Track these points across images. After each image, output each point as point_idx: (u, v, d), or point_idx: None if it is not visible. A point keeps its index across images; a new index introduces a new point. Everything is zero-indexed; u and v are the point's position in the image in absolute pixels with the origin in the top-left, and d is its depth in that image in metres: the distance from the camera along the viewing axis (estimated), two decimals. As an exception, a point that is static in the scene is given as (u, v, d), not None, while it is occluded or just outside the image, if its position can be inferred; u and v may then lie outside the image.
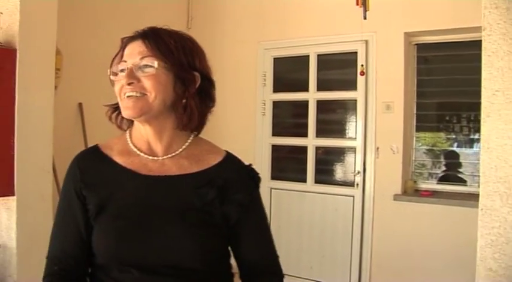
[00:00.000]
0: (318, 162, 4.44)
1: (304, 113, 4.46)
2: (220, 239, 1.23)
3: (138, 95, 1.15)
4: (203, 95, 1.23)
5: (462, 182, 4.00)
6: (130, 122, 1.28)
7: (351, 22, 3.74)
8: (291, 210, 4.43)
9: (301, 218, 4.40)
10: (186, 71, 1.19)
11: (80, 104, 3.81)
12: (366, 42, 4.12)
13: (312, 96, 4.43)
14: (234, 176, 1.25)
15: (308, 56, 4.43)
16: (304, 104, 4.46)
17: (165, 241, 1.15)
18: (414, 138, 4.19)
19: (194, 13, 4.79)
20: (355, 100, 4.23)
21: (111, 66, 1.23)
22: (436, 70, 4.20)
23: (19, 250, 2.47)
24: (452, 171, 4.11)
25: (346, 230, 4.20)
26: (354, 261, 4.16)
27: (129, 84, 1.15)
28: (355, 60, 4.17)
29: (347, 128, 4.38)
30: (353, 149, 4.28)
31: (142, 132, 1.24)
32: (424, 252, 3.80)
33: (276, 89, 4.63)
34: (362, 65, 4.06)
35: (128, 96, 1.16)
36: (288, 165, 4.78)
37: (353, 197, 4.20)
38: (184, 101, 1.20)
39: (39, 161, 2.59)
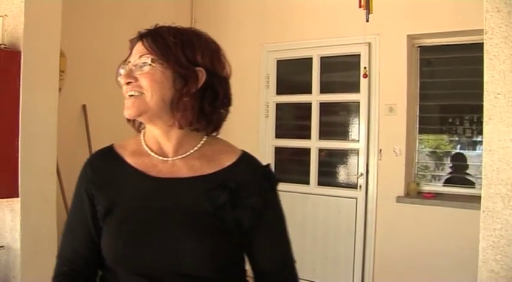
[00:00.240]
0: (321, 164, 4.45)
1: (307, 115, 4.47)
2: (233, 246, 1.17)
3: (136, 94, 1.13)
4: (208, 93, 1.16)
5: (470, 184, 3.98)
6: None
7: (354, 25, 3.75)
8: (294, 212, 4.43)
9: (304, 220, 4.40)
10: (185, 67, 1.13)
11: (84, 106, 3.83)
12: (369, 44, 4.12)
13: (315, 98, 4.43)
14: (249, 178, 1.18)
15: (311, 59, 4.44)
16: (307, 106, 4.46)
17: (173, 248, 1.10)
18: (417, 141, 4.19)
19: (197, 16, 4.81)
20: (358, 102, 4.23)
21: (118, 68, 1.22)
22: (439, 72, 4.20)
23: (23, 251, 2.48)
24: (458, 173, 4.09)
25: (349, 231, 4.21)
26: (357, 263, 4.17)
27: (127, 83, 1.14)
28: (358, 63, 4.17)
29: (350, 130, 4.39)
30: (356, 151, 4.29)
31: (152, 133, 1.21)
32: (426, 254, 3.80)
33: (279, 91, 4.64)
34: (365, 68, 4.07)
35: (129, 97, 1.14)
36: (291, 167, 4.79)
37: (356, 199, 4.20)
38: (185, 98, 1.14)
39: (43, 162, 2.60)
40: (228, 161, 1.20)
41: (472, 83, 3.46)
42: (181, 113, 1.14)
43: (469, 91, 3.76)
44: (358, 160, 4.26)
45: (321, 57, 4.41)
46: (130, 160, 1.20)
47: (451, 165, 4.12)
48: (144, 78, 1.12)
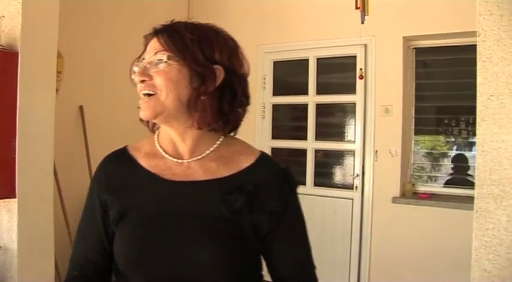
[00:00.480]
0: (317, 165, 4.46)
1: (303, 116, 4.49)
2: (250, 252, 1.12)
3: (150, 92, 1.08)
4: (226, 91, 1.11)
5: (471, 185, 3.98)
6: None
7: (350, 26, 3.77)
8: (290, 213, 4.45)
9: (300, 221, 4.41)
10: (203, 65, 1.08)
11: (81, 107, 3.83)
12: (365, 46, 4.15)
13: (312, 99, 4.45)
14: (267, 180, 1.13)
15: (307, 60, 4.46)
16: (304, 107, 4.49)
17: (188, 253, 1.06)
18: (413, 142, 4.22)
19: (194, 17, 4.79)
20: (354, 103, 4.26)
21: (132, 66, 1.16)
22: (435, 74, 4.23)
23: (20, 252, 2.48)
24: (459, 175, 4.10)
25: (345, 232, 4.22)
26: (353, 263, 4.18)
27: (141, 81, 1.09)
28: (355, 64, 4.20)
29: (346, 131, 4.41)
30: (352, 152, 4.31)
31: (167, 133, 1.16)
32: (422, 254, 3.82)
33: (276, 92, 4.66)
34: (361, 69, 4.09)
35: (144, 96, 1.09)
36: (287, 168, 4.79)
37: (352, 199, 4.22)
38: (203, 97, 1.08)
39: (40, 163, 2.61)
40: (246, 162, 1.15)
41: (467, 84, 3.47)
42: (200, 113, 1.09)
43: (465, 92, 3.78)
44: (354, 161, 4.28)
45: (317, 59, 4.44)
46: (144, 162, 1.17)
47: (452, 166, 4.13)
48: (159, 77, 1.07)
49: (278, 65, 4.66)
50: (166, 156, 1.16)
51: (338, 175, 4.46)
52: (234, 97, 1.13)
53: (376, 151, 4.14)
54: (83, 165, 3.77)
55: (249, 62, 1.22)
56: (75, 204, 3.71)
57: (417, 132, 4.22)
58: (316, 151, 4.48)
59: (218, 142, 1.16)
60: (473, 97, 1.73)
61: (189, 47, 1.08)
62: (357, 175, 4.22)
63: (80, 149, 3.78)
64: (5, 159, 2.45)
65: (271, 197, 1.11)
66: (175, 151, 1.16)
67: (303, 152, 4.46)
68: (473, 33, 1.56)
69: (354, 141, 4.28)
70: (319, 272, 1.17)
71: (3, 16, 2.50)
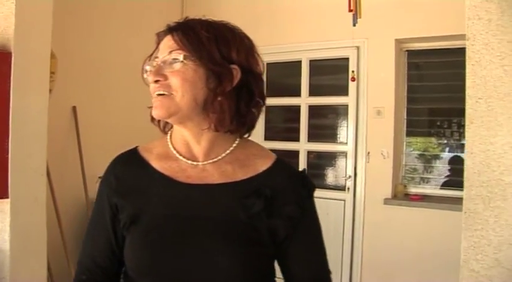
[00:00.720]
0: (310, 166, 4.48)
1: (296, 118, 4.51)
2: (266, 258, 1.09)
3: (165, 93, 1.04)
4: (243, 92, 1.08)
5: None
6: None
7: (343, 28, 3.79)
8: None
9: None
10: (219, 64, 1.04)
11: (74, 108, 3.83)
12: (358, 48, 4.18)
13: (304, 101, 4.47)
14: (284, 184, 1.10)
15: (300, 62, 4.48)
16: (296, 109, 4.50)
17: (203, 259, 1.03)
18: (404, 143, 4.24)
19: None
20: (347, 105, 4.28)
21: (144, 64, 1.12)
22: (427, 76, 4.26)
23: (12, 252, 2.48)
24: (455, 177, 4.10)
25: (337, 233, 4.24)
26: (345, 264, 4.20)
27: (155, 82, 1.05)
28: (347, 66, 4.22)
29: (338, 132, 4.44)
30: (344, 154, 4.33)
31: (182, 134, 1.12)
32: (414, 255, 3.84)
33: (269, 94, 4.51)
34: (353, 71, 4.12)
35: (157, 96, 1.05)
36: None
37: (344, 201, 4.24)
38: (219, 98, 1.04)
39: (34, 163, 2.60)
40: (263, 166, 1.12)
41: (459, 86, 3.48)
42: (217, 115, 1.05)
43: (457, 94, 3.78)
44: (346, 162, 4.30)
45: (310, 61, 4.46)
46: (156, 164, 1.12)
47: (449, 168, 4.14)
48: (175, 77, 1.03)
49: (271, 67, 4.66)
50: (180, 158, 1.12)
51: (330, 176, 4.48)
52: (251, 97, 1.10)
53: (368, 153, 4.16)
54: (76, 165, 3.77)
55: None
56: (68, 205, 3.72)
57: (409, 134, 4.25)
58: (309, 152, 4.50)
59: (234, 144, 1.13)
60: (465, 99, 1.76)
61: (205, 45, 1.04)
62: (349, 176, 4.24)
63: (73, 150, 3.78)
64: (-2, 159, 2.45)
65: (289, 202, 1.09)
66: (189, 153, 1.12)
67: (295, 154, 4.47)
68: (463, 37, 1.58)
69: (346, 143, 4.31)
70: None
71: (-3, 16, 2.50)
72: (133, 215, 1.07)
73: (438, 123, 4.15)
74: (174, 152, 1.13)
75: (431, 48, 4.09)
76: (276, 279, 1.15)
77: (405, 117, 4.21)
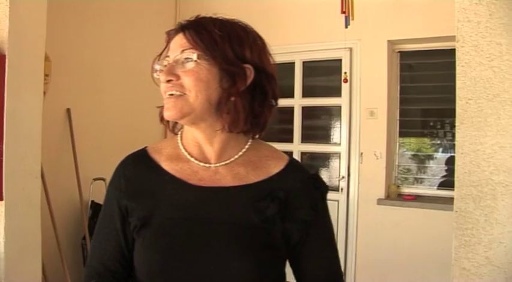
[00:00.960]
0: (304, 167, 4.49)
1: (289, 119, 4.53)
2: (278, 262, 1.08)
3: (178, 93, 1.01)
4: (257, 92, 1.05)
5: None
6: (182, 124, 1.12)
7: (336, 30, 3.81)
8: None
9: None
10: (233, 64, 1.01)
11: (68, 110, 3.83)
12: (350, 49, 4.20)
13: (298, 102, 4.49)
14: (298, 187, 1.08)
15: (293, 63, 4.50)
16: (290, 110, 4.52)
17: (215, 264, 1.01)
18: (397, 144, 4.27)
19: (182, 18, 4.82)
20: (340, 106, 4.31)
21: (154, 63, 1.08)
22: (419, 77, 4.29)
23: (7, 255, 2.48)
24: (452, 177, 4.10)
25: (331, 234, 4.25)
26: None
27: (167, 81, 1.02)
28: (340, 67, 4.25)
29: (332, 133, 4.46)
30: (337, 155, 4.36)
31: (193, 135, 1.09)
32: (407, 255, 3.87)
33: None
34: (345, 73, 4.15)
35: (169, 96, 1.02)
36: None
37: (338, 201, 4.26)
38: (232, 98, 1.02)
39: (28, 166, 2.60)
40: (276, 168, 1.10)
41: (451, 87, 3.50)
42: (232, 115, 1.03)
43: (449, 95, 3.80)
44: (339, 163, 4.33)
45: (303, 62, 4.49)
46: (167, 166, 1.09)
47: (446, 168, 4.16)
48: (188, 77, 1.00)
49: (264, 68, 4.68)
50: (192, 159, 1.09)
51: (324, 177, 4.46)
52: (265, 97, 1.08)
53: (362, 153, 4.19)
54: (70, 168, 3.77)
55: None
56: (63, 207, 3.72)
57: (402, 134, 4.28)
58: (302, 153, 4.52)
59: (247, 146, 1.11)
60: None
61: (219, 44, 1.01)
62: (343, 177, 4.27)
63: (67, 152, 3.77)
64: (-7, 162, 2.45)
65: (302, 205, 1.07)
66: (201, 154, 1.09)
67: (289, 155, 4.46)
68: (454, 38, 1.61)
69: (340, 144, 4.34)
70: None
71: (-9, 19, 2.50)
72: (143, 218, 1.05)
73: (431, 124, 4.18)
74: (186, 153, 1.10)
75: (424, 50, 4.12)
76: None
77: (398, 117, 4.24)
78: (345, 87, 4.22)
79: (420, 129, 4.30)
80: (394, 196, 4.12)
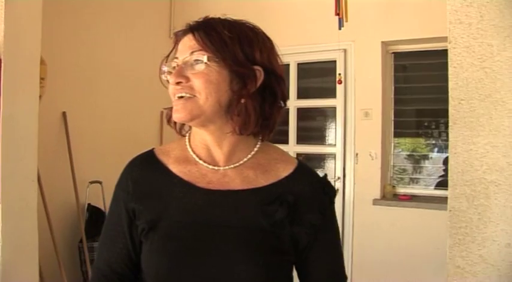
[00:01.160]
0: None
1: (285, 121, 4.52)
2: (286, 266, 1.07)
3: (188, 95, 1.00)
4: (267, 94, 1.04)
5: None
6: (190, 126, 1.11)
7: (330, 32, 3.82)
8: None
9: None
10: (243, 66, 1.00)
11: (64, 113, 3.84)
12: (345, 51, 4.22)
13: (293, 104, 4.51)
14: (306, 191, 1.07)
15: (288, 65, 4.50)
16: (285, 112, 4.50)
17: (224, 268, 1.00)
18: (392, 144, 4.29)
19: (176, 24, 4.84)
20: (335, 107, 4.33)
21: (161, 65, 1.07)
22: (414, 78, 4.31)
23: (4, 258, 2.47)
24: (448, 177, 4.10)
25: (327, 234, 4.26)
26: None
27: (177, 83, 1.00)
28: (335, 69, 4.27)
29: (327, 134, 4.48)
30: (333, 155, 4.38)
31: (202, 137, 1.08)
32: (403, 254, 3.88)
33: None
34: (339, 74, 4.16)
35: (178, 98, 1.01)
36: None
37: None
38: (242, 100, 1.01)
39: (24, 169, 2.61)
40: (285, 171, 1.09)
41: (445, 87, 3.54)
42: (243, 118, 1.02)
43: (443, 95, 3.81)
44: (335, 164, 4.35)
45: (298, 64, 4.50)
46: (174, 168, 1.08)
47: (443, 168, 4.16)
48: (198, 79, 0.99)
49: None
50: (200, 162, 1.08)
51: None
52: (275, 99, 1.07)
53: (357, 154, 4.21)
54: (67, 171, 3.77)
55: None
56: (59, 210, 3.72)
57: (397, 135, 4.29)
58: (298, 155, 4.52)
59: (256, 148, 1.10)
60: (449, 101, 1.80)
61: (228, 46, 1.00)
62: (338, 178, 4.28)
63: (63, 155, 3.78)
64: (-11, 165, 2.45)
65: (311, 209, 1.06)
66: (209, 157, 1.08)
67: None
68: (447, 39, 1.63)
69: (335, 145, 4.35)
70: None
71: (-14, 23, 2.51)
72: (151, 221, 1.04)
73: (426, 124, 4.20)
74: (194, 155, 1.09)
75: (417, 50, 4.14)
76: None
77: (393, 118, 4.26)
78: (339, 88, 4.24)
79: (415, 129, 4.32)
80: (389, 196, 4.14)
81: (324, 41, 4.22)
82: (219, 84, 0.99)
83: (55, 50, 3.54)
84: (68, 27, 3.81)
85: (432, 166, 4.23)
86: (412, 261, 3.83)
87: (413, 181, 4.28)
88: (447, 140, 4.06)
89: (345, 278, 1.16)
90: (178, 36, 1.06)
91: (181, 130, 1.13)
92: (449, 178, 1.57)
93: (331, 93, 4.33)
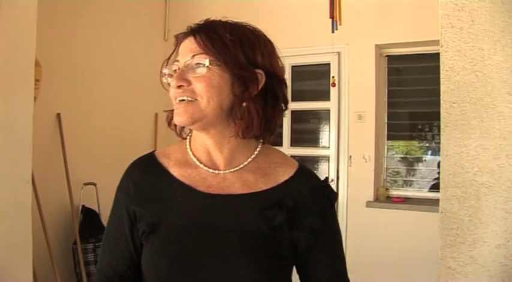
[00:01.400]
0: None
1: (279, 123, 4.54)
2: (286, 270, 1.07)
3: (189, 99, 0.99)
4: (269, 97, 1.04)
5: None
6: (190, 129, 1.10)
7: (324, 34, 3.83)
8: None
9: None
10: (245, 69, 1.00)
11: (59, 115, 3.84)
12: (339, 54, 4.24)
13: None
14: (307, 194, 1.07)
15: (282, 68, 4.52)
16: (280, 114, 4.54)
17: (223, 271, 1.00)
18: (386, 147, 4.32)
19: (171, 25, 4.85)
20: (329, 110, 4.34)
21: (162, 67, 1.07)
22: (407, 81, 4.33)
23: (-2, 259, 2.49)
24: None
25: (320, 236, 4.28)
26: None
27: (178, 87, 1.00)
28: (329, 72, 4.28)
29: (321, 137, 4.50)
30: (327, 158, 4.39)
31: (202, 141, 1.08)
32: (397, 256, 3.89)
33: None
34: (333, 77, 4.17)
35: (179, 101, 1.01)
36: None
37: (327, 204, 4.28)
38: (244, 104, 1.00)
39: (19, 170, 2.62)
40: (285, 175, 1.09)
41: (439, 90, 3.58)
42: (246, 121, 1.01)
43: (436, 98, 3.84)
44: (328, 166, 4.36)
45: (292, 66, 4.50)
46: (175, 172, 1.08)
47: (438, 171, 4.19)
48: (200, 83, 0.99)
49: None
50: (201, 166, 1.08)
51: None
52: (276, 102, 1.06)
53: (350, 156, 4.23)
54: (61, 172, 3.77)
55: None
56: (53, 212, 3.72)
57: (391, 137, 4.31)
58: (292, 157, 4.53)
59: (256, 152, 1.10)
60: (442, 104, 1.83)
61: (230, 49, 1.00)
62: (332, 180, 4.29)
63: (58, 157, 3.78)
64: (-17, 167, 2.45)
65: (311, 213, 1.06)
66: (210, 161, 1.08)
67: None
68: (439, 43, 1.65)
69: (329, 147, 4.37)
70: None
71: (-19, 25, 2.52)
72: (152, 225, 1.04)
73: (419, 127, 4.22)
74: (194, 159, 1.09)
75: (411, 54, 4.17)
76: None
77: (386, 121, 4.28)
78: (333, 91, 4.26)
79: (408, 132, 4.34)
80: (383, 198, 4.15)
81: (318, 44, 4.23)
82: (220, 88, 0.99)
83: (50, 52, 3.54)
84: (63, 29, 3.81)
85: (426, 168, 4.25)
86: (405, 263, 3.84)
87: (407, 183, 4.30)
88: (440, 143, 4.09)
89: (347, 280, 1.16)
90: (179, 39, 1.06)
91: (181, 133, 1.13)
92: (441, 180, 1.59)
93: (325, 96, 4.35)
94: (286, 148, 4.50)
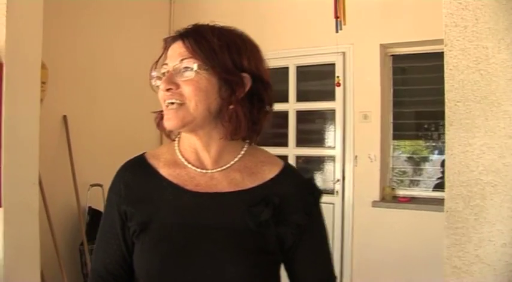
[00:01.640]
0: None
1: (284, 123, 4.56)
2: (274, 266, 1.10)
3: (178, 102, 1.02)
4: (255, 99, 1.07)
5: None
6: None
7: (329, 35, 3.83)
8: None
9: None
10: (232, 73, 1.03)
11: (65, 117, 3.86)
12: (343, 53, 4.23)
13: (292, 106, 4.53)
14: (292, 192, 1.10)
15: (287, 68, 4.53)
16: (285, 115, 4.55)
17: (212, 268, 1.02)
18: (391, 146, 4.31)
19: (176, 27, 4.83)
20: (334, 110, 4.34)
21: (151, 70, 1.10)
22: (412, 80, 4.32)
23: (6, 261, 2.49)
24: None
25: (327, 236, 4.27)
26: (335, 266, 4.19)
27: (167, 90, 1.03)
28: (333, 72, 4.27)
29: (326, 137, 4.50)
30: (332, 158, 4.39)
31: (191, 142, 1.11)
32: (403, 255, 3.89)
33: None
34: (338, 77, 4.15)
35: (169, 105, 1.04)
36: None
37: (333, 204, 4.29)
38: (231, 107, 1.04)
39: (26, 172, 2.62)
40: (271, 173, 1.12)
41: (444, 89, 3.57)
42: (234, 124, 1.04)
43: (442, 97, 3.83)
44: (334, 166, 4.36)
45: (297, 67, 4.51)
46: (164, 172, 1.11)
47: (441, 170, 4.15)
48: (188, 86, 1.02)
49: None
50: (189, 166, 1.11)
51: (319, 180, 4.51)
52: (262, 104, 1.10)
53: (356, 156, 4.22)
54: (68, 174, 3.79)
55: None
56: (60, 213, 3.74)
57: (396, 137, 4.30)
58: (297, 157, 4.55)
59: (242, 152, 1.13)
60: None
61: (218, 54, 1.03)
62: (338, 180, 4.30)
63: (65, 158, 3.80)
64: (-9, 169, 2.46)
65: (296, 209, 1.08)
66: (198, 160, 1.11)
67: (284, 159, 4.46)
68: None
69: (334, 147, 4.37)
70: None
71: (-13, 28, 2.53)
72: (142, 223, 1.07)
73: (425, 126, 4.21)
74: (183, 159, 1.12)
75: (416, 53, 4.16)
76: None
77: (391, 120, 4.27)
78: (338, 91, 4.26)
79: (414, 131, 4.33)
80: (389, 198, 4.14)
81: (323, 44, 4.23)
82: (208, 91, 1.02)
83: (56, 54, 3.56)
84: (69, 31, 3.83)
85: (432, 168, 4.24)
86: (411, 263, 3.84)
87: (413, 183, 4.29)
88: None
89: (334, 277, 1.18)
90: (167, 43, 1.09)
91: (170, 134, 1.16)
92: (446, 179, 1.58)
93: (330, 96, 4.34)
94: (292, 148, 4.51)
